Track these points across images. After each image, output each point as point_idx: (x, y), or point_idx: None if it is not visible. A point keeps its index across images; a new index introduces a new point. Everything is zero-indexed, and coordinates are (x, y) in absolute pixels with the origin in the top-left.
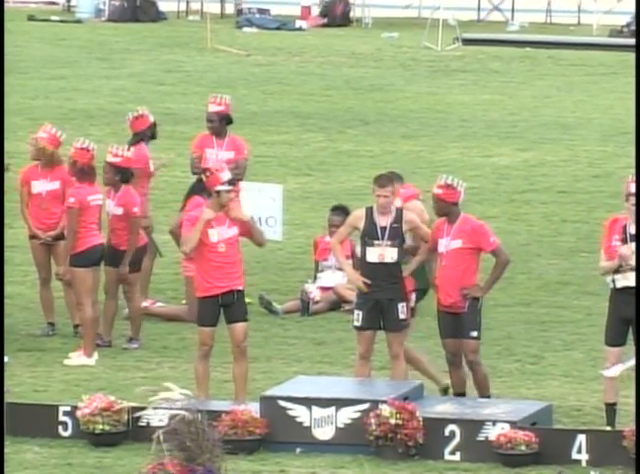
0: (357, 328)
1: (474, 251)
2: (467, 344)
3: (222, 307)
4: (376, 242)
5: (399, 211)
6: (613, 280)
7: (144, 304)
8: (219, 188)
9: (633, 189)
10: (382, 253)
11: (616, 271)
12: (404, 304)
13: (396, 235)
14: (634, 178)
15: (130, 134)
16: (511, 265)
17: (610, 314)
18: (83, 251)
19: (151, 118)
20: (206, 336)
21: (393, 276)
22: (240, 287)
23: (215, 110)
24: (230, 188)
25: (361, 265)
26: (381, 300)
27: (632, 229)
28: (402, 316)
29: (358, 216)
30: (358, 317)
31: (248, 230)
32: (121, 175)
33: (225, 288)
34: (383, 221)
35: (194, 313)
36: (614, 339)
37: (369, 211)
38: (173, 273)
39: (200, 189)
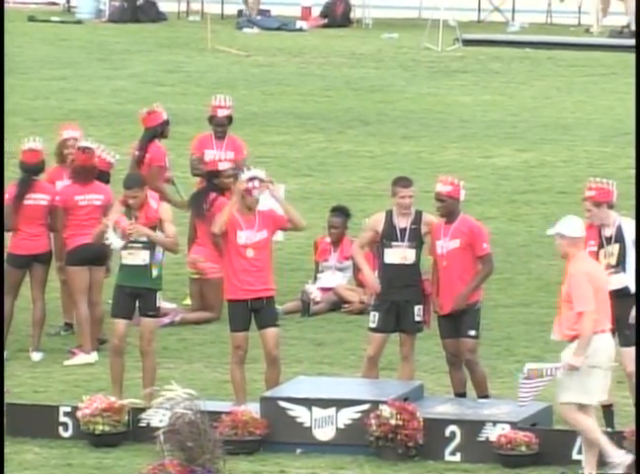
0: (371, 329)
1: (471, 251)
2: (465, 343)
3: (252, 311)
4: (395, 243)
5: (418, 213)
6: None
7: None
8: (244, 186)
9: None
10: (404, 254)
11: None
12: (420, 307)
13: (415, 236)
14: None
15: (139, 132)
16: (507, 266)
17: None
18: (73, 250)
19: (164, 116)
20: (239, 340)
21: (410, 278)
22: (269, 294)
23: (225, 114)
24: (251, 184)
25: (380, 266)
26: (398, 302)
27: (607, 232)
28: (417, 318)
29: (377, 219)
30: (374, 318)
31: (283, 222)
32: (98, 177)
33: (253, 295)
34: (403, 223)
35: (216, 309)
36: None
37: (389, 214)
38: (173, 273)
39: (212, 188)
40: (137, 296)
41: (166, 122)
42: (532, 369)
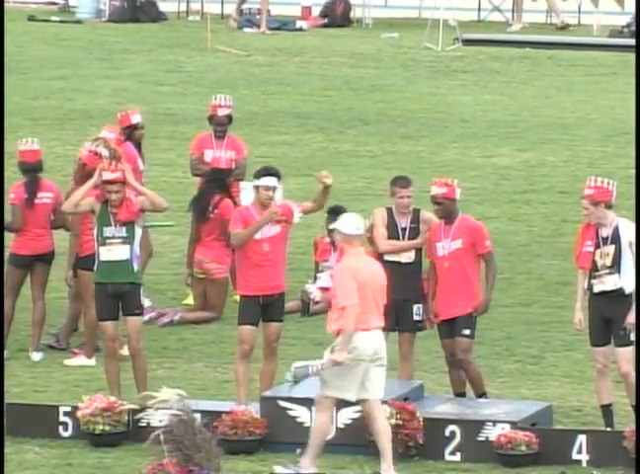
0: None
1: (473, 251)
2: (459, 342)
3: (262, 307)
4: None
5: (416, 211)
6: (591, 286)
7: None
8: (257, 183)
9: (586, 191)
10: (405, 253)
11: (593, 276)
12: (420, 306)
13: (415, 235)
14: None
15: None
16: (507, 266)
17: (592, 316)
18: (89, 254)
19: (133, 120)
20: (246, 334)
21: (410, 277)
22: (281, 290)
23: (225, 113)
24: (268, 185)
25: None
26: (397, 300)
27: (604, 233)
28: (416, 318)
29: (382, 215)
30: None
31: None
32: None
33: (265, 291)
34: (403, 222)
35: (218, 309)
36: (599, 339)
37: (389, 211)
38: (173, 273)
39: (215, 187)
40: (120, 295)
41: (133, 127)
42: (299, 367)
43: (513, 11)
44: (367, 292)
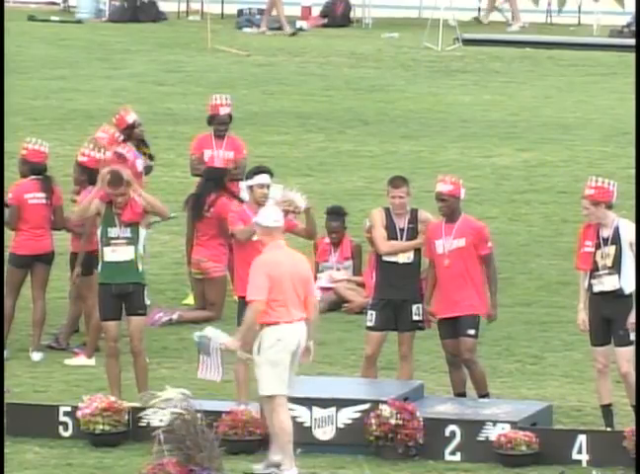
0: (369, 328)
1: (475, 250)
2: (464, 342)
3: None
4: (394, 242)
5: (414, 211)
6: (590, 286)
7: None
8: (250, 183)
9: (587, 191)
10: (404, 253)
11: (592, 276)
12: (419, 306)
13: (414, 235)
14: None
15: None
16: (507, 266)
17: (592, 316)
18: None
19: (129, 119)
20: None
21: (409, 277)
22: None
23: (226, 112)
24: (262, 183)
25: (378, 264)
26: (395, 300)
27: (604, 233)
28: (415, 318)
29: (381, 215)
30: (371, 317)
31: (292, 226)
32: (88, 175)
33: None
34: (401, 222)
35: (217, 308)
36: (599, 338)
37: (387, 211)
38: (173, 273)
39: (212, 186)
40: (125, 295)
41: (131, 126)
42: (204, 336)
43: (512, 11)
44: (287, 285)
